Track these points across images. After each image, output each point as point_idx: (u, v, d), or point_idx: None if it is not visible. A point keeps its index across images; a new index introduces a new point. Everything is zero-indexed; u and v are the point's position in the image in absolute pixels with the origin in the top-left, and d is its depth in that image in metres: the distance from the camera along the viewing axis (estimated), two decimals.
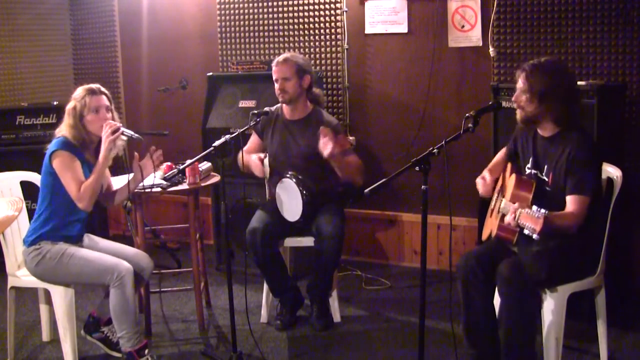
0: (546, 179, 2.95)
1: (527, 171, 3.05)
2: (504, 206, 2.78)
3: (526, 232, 2.57)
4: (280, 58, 3.72)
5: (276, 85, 3.72)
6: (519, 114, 2.96)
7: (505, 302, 2.87)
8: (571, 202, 2.82)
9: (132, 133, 3.29)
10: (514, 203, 2.73)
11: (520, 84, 2.92)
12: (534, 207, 2.57)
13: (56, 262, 3.17)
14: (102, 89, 3.32)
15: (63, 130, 3.25)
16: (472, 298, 2.99)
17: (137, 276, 3.30)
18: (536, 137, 3.04)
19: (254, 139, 3.91)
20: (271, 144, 3.81)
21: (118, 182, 3.56)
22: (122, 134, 3.25)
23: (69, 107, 3.27)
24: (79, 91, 3.28)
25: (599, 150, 2.95)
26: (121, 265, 3.14)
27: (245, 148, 3.85)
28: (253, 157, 3.72)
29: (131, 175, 3.38)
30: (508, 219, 2.67)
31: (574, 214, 2.80)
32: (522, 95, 2.91)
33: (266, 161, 3.90)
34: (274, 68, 3.72)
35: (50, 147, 3.21)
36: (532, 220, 2.54)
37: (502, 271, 2.85)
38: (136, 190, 3.52)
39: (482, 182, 3.12)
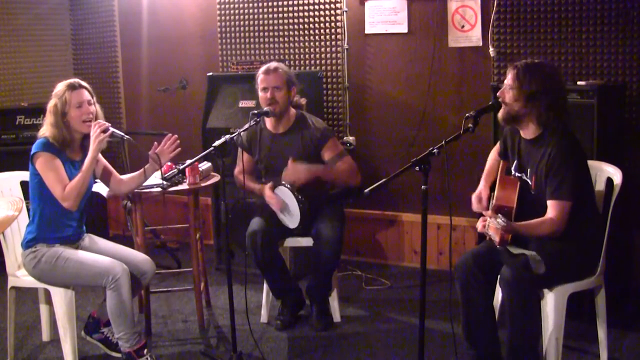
0: (530, 183, 2.95)
1: (513, 172, 3.05)
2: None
3: (494, 239, 2.72)
4: (271, 66, 3.62)
5: (264, 95, 3.58)
6: (501, 111, 2.96)
7: (508, 304, 2.87)
8: (551, 208, 2.83)
9: (122, 134, 3.28)
10: (500, 204, 2.86)
11: (509, 80, 2.92)
12: (499, 218, 2.65)
13: (52, 265, 3.16)
14: (82, 83, 3.26)
15: (45, 130, 3.21)
16: (471, 299, 2.99)
17: (137, 281, 3.30)
18: (520, 140, 3.03)
19: (245, 157, 3.78)
20: (260, 160, 3.75)
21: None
22: (112, 134, 3.24)
23: (50, 104, 3.22)
24: (60, 87, 3.23)
25: (580, 153, 2.91)
26: (117, 267, 3.13)
27: (237, 168, 3.77)
28: (258, 188, 3.68)
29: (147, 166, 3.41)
30: (479, 226, 2.80)
31: (553, 220, 2.81)
32: (508, 91, 2.91)
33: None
34: (262, 77, 3.59)
35: (32, 149, 3.19)
36: (494, 231, 2.67)
37: (504, 274, 2.84)
38: (136, 190, 3.52)
39: (476, 201, 3.12)
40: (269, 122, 3.72)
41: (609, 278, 3.11)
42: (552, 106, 2.86)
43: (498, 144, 3.26)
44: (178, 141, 3.43)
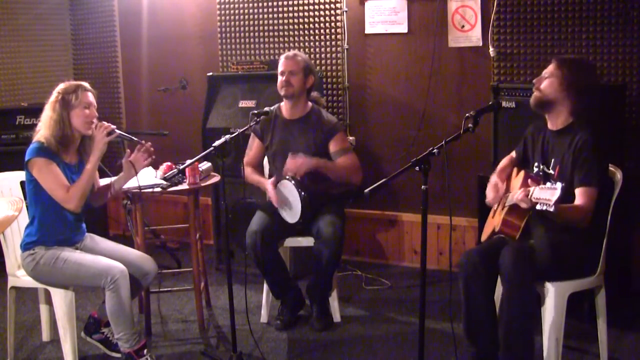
0: (552, 173, 2.96)
1: (535, 169, 3.06)
2: (511, 198, 2.79)
3: (539, 207, 2.50)
4: (290, 53, 3.77)
5: (281, 79, 3.71)
6: (534, 96, 2.99)
7: (506, 294, 2.88)
8: (579, 195, 2.84)
9: (130, 136, 3.28)
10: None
11: (550, 69, 2.96)
12: (548, 183, 2.57)
13: (50, 267, 3.16)
14: (90, 88, 3.28)
15: (42, 129, 3.19)
16: (473, 295, 3.00)
17: (137, 281, 3.30)
18: (545, 133, 3.06)
19: (255, 144, 3.88)
20: (271, 145, 3.81)
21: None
22: (118, 136, 3.24)
23: (53, 100, 3.19)
24: (67, 85, 3.22)
25: (605, 143, 2.97)
26: (115, 268, 3.13)
27: (246, 158, 3.88)
28: (263, 182, 3.75)
29: (121, 175, 3.38)
30: (520, 196, 2.63)
31: (582, 207, 2.82)
32: (547, 79, 2.95)
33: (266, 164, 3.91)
34: (282, 61, 3.73)
35: (26, 155, 3.16)
36: (547, 192, 2.50)
37: (503, 263, 2.86)
38: (136, 191, 3.52)
39: (494, 190, 3.10)
40: (284, 109, 3.81)
41: (609, 278, 3.11)
42: (588, 102, 2.92)
43: (514, 152, 3.26)
44: (152, 149, 3.36)
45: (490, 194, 3.12)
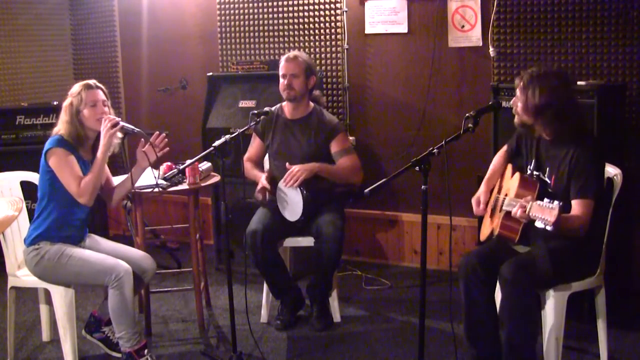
0: (548, 181, 2.95)
1: (529, 172, 3.06)
2: (508, 202, 2.78)
3: (538, 224, 2.54)
4: (291, 55, 3.75)
5: (282, 81, 3.71)
6: (516, 119, 2.99)
7: (507, 302, 2.87)
8: (577, 206, 2.82)
9: (133, 127, 3.29)
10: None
11: (517, 92, 2.94)
12: (546, 199, 2.56)
13: (55, 262, 3.17)
14: (98, 83, 3.31)
15: (59, 127, 3.25)
16: (473, 298, 3.00)
17: (138, 278, 3.30)
18: (540, 139, 3.04)
19: (255, 143, 3.90)
20: (272, 144, 3.81)
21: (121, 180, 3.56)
22: (122, 128, 3.25)
23: (66, 103, 3.27)
24: (76, 87, 3.28)
25: (602, 152, 2.95)
26: (120, 266, 3.14)
27: (247, 155, 3.89)
28: (259, 175, 3.76)
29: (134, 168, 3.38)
30: (518, 212, 2.64)
31: (580, 218, 2.80)
32: (518, 102, 2.94)
33: (267, 163, 3.91)
34: (282, 64, 3.72)
35: (46, 145, 3.21)
36: (545, 211, 2.52)
37: (503, 272, 2.85)
38: (136, 191, 3.52)
39: (476, 204, 3.11)
40: (286, 109, 3.82)
41: (609, 278, 3.12)
42: (560, 116, 2.87)
43: (506, 146, 3.25)
44: (166, 140, 3.38)
45: (474, 207, 3.12)
